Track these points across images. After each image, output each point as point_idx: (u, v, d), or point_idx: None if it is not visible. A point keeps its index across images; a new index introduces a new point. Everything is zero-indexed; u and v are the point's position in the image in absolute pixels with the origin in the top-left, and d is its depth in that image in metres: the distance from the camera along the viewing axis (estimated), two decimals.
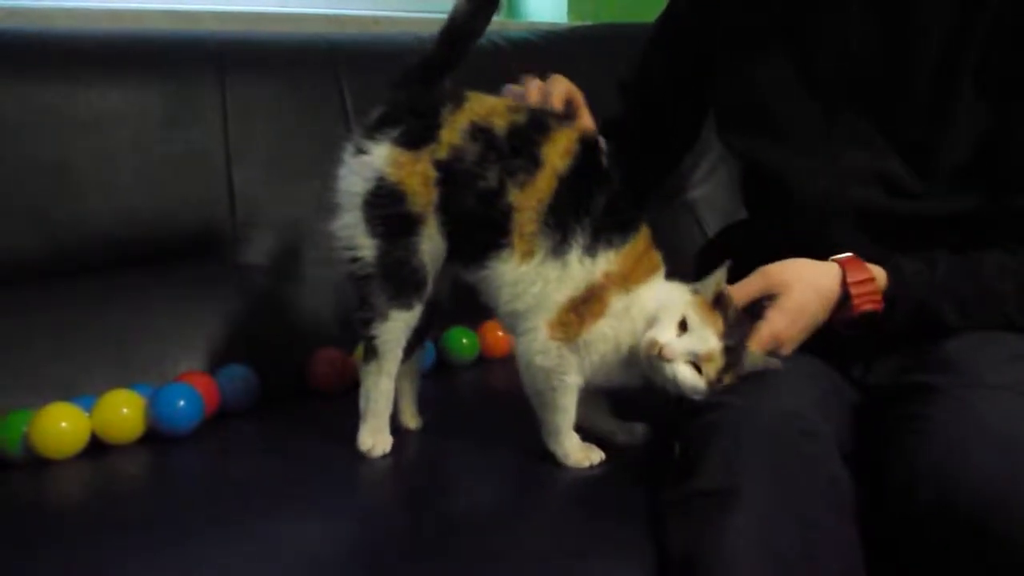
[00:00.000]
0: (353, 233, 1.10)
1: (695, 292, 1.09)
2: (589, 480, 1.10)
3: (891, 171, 1.18)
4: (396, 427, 1.20)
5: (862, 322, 1.12)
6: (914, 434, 0.99)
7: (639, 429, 1.20)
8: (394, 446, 1.17)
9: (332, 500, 1.08)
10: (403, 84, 1.14)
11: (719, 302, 1.07)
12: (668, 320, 1.05)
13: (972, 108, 1.14)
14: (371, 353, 1.13)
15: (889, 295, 1.11)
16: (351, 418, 1.37)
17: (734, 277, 1.21)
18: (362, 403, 1.15)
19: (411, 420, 1.26)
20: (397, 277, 1.09)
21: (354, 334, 1.48)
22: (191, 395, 1.26)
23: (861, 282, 1.10)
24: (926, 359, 1.10)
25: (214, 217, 1.52)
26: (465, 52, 1.14)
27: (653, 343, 1.04)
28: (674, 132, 1.45)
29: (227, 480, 1.16)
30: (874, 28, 1.17)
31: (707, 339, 1.05)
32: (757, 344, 1.09)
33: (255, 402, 1.39)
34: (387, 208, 1.08)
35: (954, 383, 1.02)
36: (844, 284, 1.10)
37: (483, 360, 1.60)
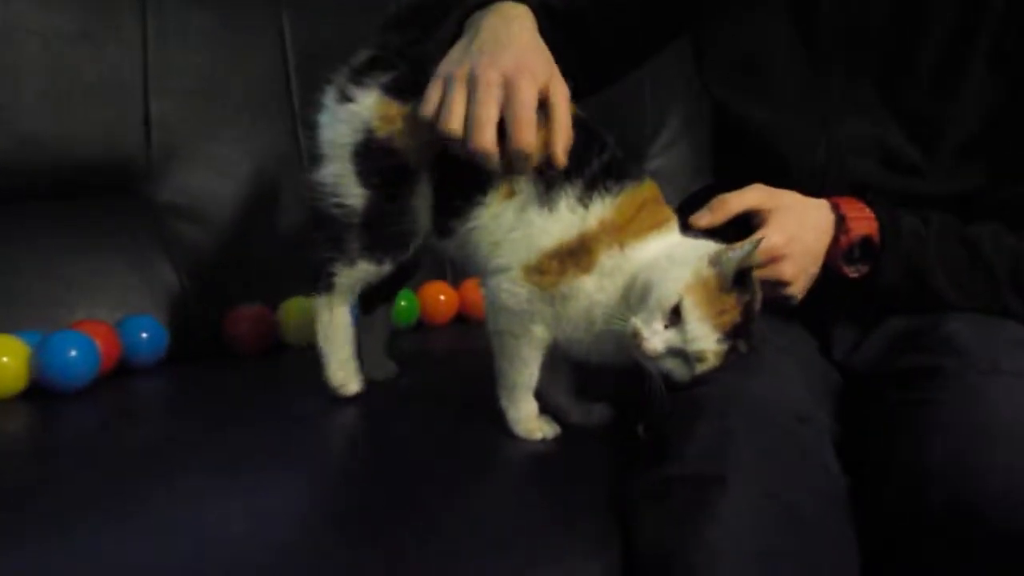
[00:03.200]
0: (341, 182, 1.02)
1: (713, 264, 0.90)
2: (544, 459, 0.97)
3: (891, 143, 1.09)
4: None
5: (862, 256, 1.03)
6: (922, 423, 0.89)
7: (596, 410, 1.06)
8: (321, 417, 1.04)
9: (248, 471, 0.92)
10: (393, 26, 1.05)
11: (741, 282, 0.90)
12: (657, 304, 0.89)
13: (983, 83, 1.06)
14: (325, 287, 1.06)
15: (881, 221, 1.02)
16: (270, 381, 1.24)
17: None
18: (320, 339, 1.07)
19: (377, 371, 1.16)
20: (380, 232, 1.02)
21: (278, 289, 1.36)
22: (85, 345, 1.10)
23: (853, 208, 1.03)
24: (925, 340, 1.00)
25: (127, 149, 1.36)
26: None
27: (635, 333, 0.89)
28: (630, 47, 1.29)
29: (123, 445, 0.99)
30: None
31: (701, 337, 0.89)
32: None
33: (161, 359, 1.24)
34: (381, 161, 1.01)
35: (964, 367, 0.91)
36: (836, 211, 1.03)
37: (423, 326, 1.46)
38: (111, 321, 1.21)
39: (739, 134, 1.19)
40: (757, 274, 0.94)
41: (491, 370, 1.00)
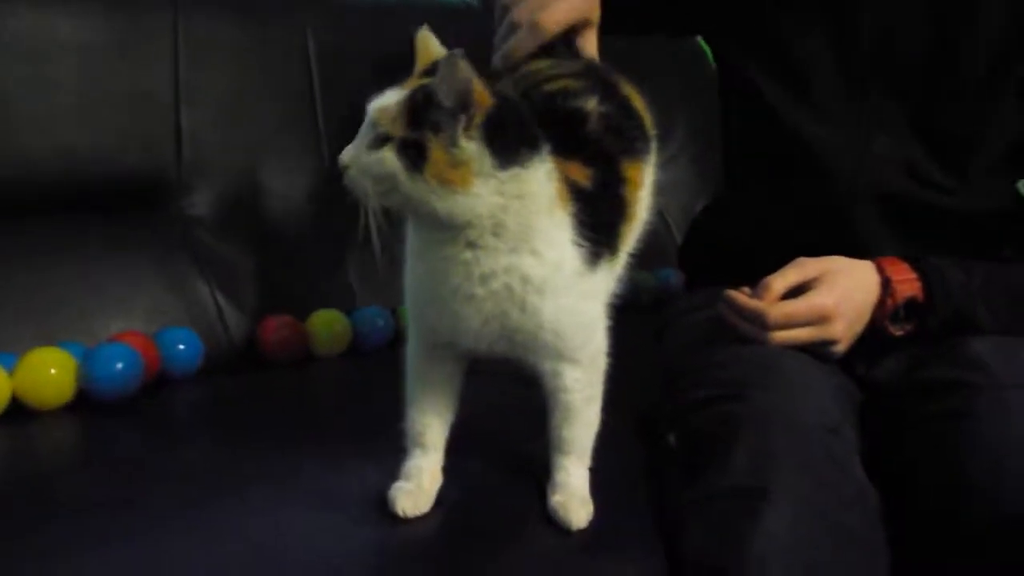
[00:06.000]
0: None
1: None
2: None
3: (919, 163, 1.12)
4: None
5: (906, 316, 1.06)
6: (958, 435, 0.93)
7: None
8: (361, 434, 1.04)
9: (306, 483, 0.94)
10: None
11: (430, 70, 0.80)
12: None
13: (1016, 109, 1.10)
14: None
15: (927, 287, 1.05)
16: (302, 391, 1.26)
17: (732, 261, 1.13)
18: None
19: None
20: None
21: (308, 300, 1.39)
22: (130, 357, 1.12)
23: (898, 270, 1.06)
24: (950, 355, 1.03)
25: (158, 162, 1.37)
26: None
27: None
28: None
29: (169, 455, 1.01)
30: (922, 11, 1.10)
31: (378, 103, 0.79)
32: (798, 311, 1.02)
33: (197, 369, 1.25)
34: None
35: (997, 383, 0.96)
36: (881, 274, 1.05)
37: None
38: (146, 333, 1.23)
39: (769, 130, 1.20)
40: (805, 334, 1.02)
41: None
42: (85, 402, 1.11)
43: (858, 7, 1.12)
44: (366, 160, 0.77)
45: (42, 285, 1.23)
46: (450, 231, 0.78)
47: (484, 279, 0.79)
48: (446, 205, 0.76)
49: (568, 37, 1.07)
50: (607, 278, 0.87)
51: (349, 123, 1.52)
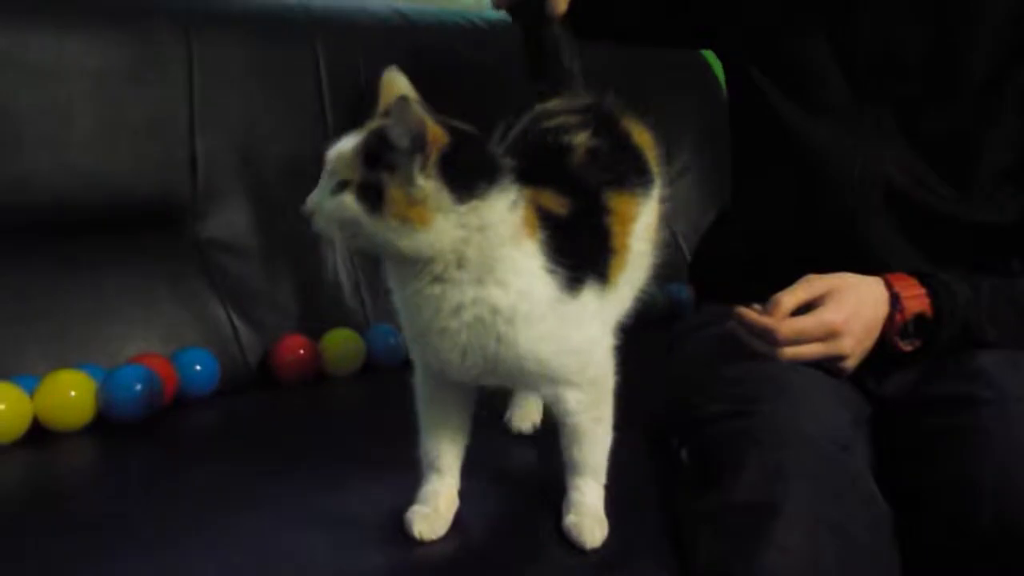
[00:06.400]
0: None
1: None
2: None
3: (922, 170, 1.13)
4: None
5: (915, 331, 1.07)
6: (969, 446, 0.94)
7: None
8: (376, 454, 1.05)
9: (306, 504, 0.95)
10: None
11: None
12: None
13: (1014, 122, 1.11)
14: None
15: (935, 303, 1.06)
16: (317, 410, 1.28)
17: (741, 274, 1.14)
18: None
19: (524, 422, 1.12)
20: None
21: (320, 320, 1.41)
22: (150, 379, 1.14)
23: (906, 286, 1.06)
24: (958, 369, 1.05)
25: (174, 185, 1.39)
26: None
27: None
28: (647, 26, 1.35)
29: (187, 476, 1.02)
30: (921, 17, 1.11)
31: (335, 150, 0.81)
32: (807, 328, 1.03)
33: (214, 390, 1.27)
34: None
35: (1004, 396, 0.97)
36: (890, 290, 1.06)
37: None
38: (163, 354, 1.25)
39: (777, 140, 1.21)
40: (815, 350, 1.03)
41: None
42: (104, 423, 1.13)
43: (857, 12, 1.13)
44: (329, 206, 0.80)
45: (61, 308, 1.26)
46: (415, 267, 0.80)
47: (455, 312, 0.81)
48: (409, 242, 0.78)
49: None
50: (601, 303, 0.87)
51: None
